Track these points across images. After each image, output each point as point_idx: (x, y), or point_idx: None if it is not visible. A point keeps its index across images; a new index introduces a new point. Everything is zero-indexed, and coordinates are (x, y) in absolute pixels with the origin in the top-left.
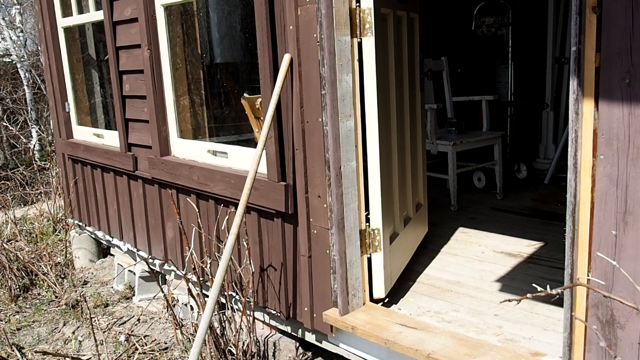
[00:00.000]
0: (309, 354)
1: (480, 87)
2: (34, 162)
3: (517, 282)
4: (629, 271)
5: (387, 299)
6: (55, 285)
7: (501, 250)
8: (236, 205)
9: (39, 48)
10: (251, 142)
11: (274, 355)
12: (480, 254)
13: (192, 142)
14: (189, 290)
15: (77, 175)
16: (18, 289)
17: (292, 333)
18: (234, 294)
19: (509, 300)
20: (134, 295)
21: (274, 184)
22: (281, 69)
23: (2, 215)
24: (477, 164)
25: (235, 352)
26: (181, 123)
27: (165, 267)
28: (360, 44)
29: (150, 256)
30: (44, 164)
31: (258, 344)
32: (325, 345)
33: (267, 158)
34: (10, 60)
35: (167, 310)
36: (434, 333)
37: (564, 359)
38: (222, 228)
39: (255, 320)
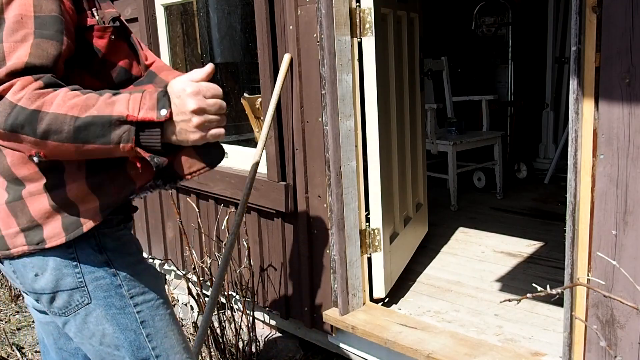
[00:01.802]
0: (309, 353)
1: (480, 87)
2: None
3: (517, 281)
4: (629, 271)
5: (387, 299)
6: None
7: (501, 250)
8: (236, 205)
9: None
10: (251, 142)
11: (274, 355)
12: (480, 254)
13: None
14: (189, 290)
15: None
16: (18, 289)
17: (292, 333)
18: (234, 294)
19: (509, 300)
20: None
21: (274, 183)
22: (281, 69)
23: None
24: (477, 164)
25: (235, 352)
26: None
27: (165, 267)
28: (360, 44)
29: (150, 256)
30: None
31: (258, 343)
32: (325, 345)
33: (267, 158)
34: None
35: None
36: (434, 333)
37: (564, 359)
38: (222, 228)
39: (255, 320)
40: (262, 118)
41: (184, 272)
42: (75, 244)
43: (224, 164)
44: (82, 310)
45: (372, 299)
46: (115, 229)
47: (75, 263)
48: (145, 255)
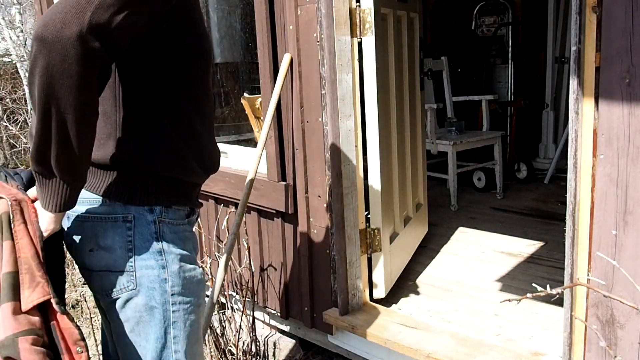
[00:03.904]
0: (309, 353)
1: (480, 87)
2: None
3: (517, 281)
4: (629, 271)
5: (387, 299)
6: None
7: (501, 250)
8: (236, 205)
9: None
10: (251, 142)
11: (274, 355)
12: (480, 254)
13: None
14: None
15: None
16: None
17: (292, 333)
18: (234, 294)
19: (509, 300)
20: None
21: (274, 183)
22: (281, 69)
23: None
24: (477, 164)
25: (235, 352)
26: None
27: None
28: (360, 44)
29: None
30: None
31: (258, 343)
32: (325, 345)
33: (267, 158)
34: (10, 60)
35: None
36: (434, 333)
37: (564, 359)
38: (222, 228)
39: (255, 320)
40: (262, 118)
41: None
42: (135, 228)
43: (224, 163)
44: (124, 295)
45: (372, 299)
46: (178, 221)
47: (130, 247)
48: None
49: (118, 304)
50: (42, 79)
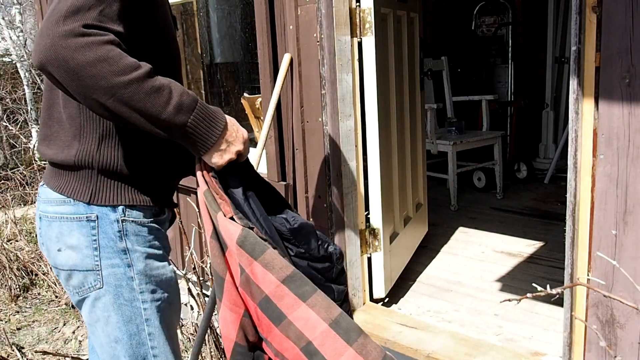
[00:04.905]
0: None
1: (480, 87)
2: (33, 161)
3: (517, 281)
4: (629, 271)
5: (387, 299)
6: (55, 285)
7: (501, 250)
8: None
9: None
10: (251, 142)
11: None
12: (480, 254)
13: None
14: (189, 290)
15: None
16: (18, 289)
17: None
18: None
19: (509, 300)
20: None
21: (274, 183)
22: (281, 69)
23: (2, 215)
24: (477, 163)
25: None
26: None
27: None
28: (360, 44)
29: None
30: (44, 164)
31: None
32: None
33: (267, 158)
34: (10, 60)
35: None
36: (434, 333)
37: (564, 359)
38: None
39: None
40: (262, 118)
41: (183, 272)
42: (99, 227)
43: None
44: (93, 294)
45: (372, 299)
46: (143, 220)
47: (95, 245)
48: None
49: (87, 303)
50: (72, 87)
